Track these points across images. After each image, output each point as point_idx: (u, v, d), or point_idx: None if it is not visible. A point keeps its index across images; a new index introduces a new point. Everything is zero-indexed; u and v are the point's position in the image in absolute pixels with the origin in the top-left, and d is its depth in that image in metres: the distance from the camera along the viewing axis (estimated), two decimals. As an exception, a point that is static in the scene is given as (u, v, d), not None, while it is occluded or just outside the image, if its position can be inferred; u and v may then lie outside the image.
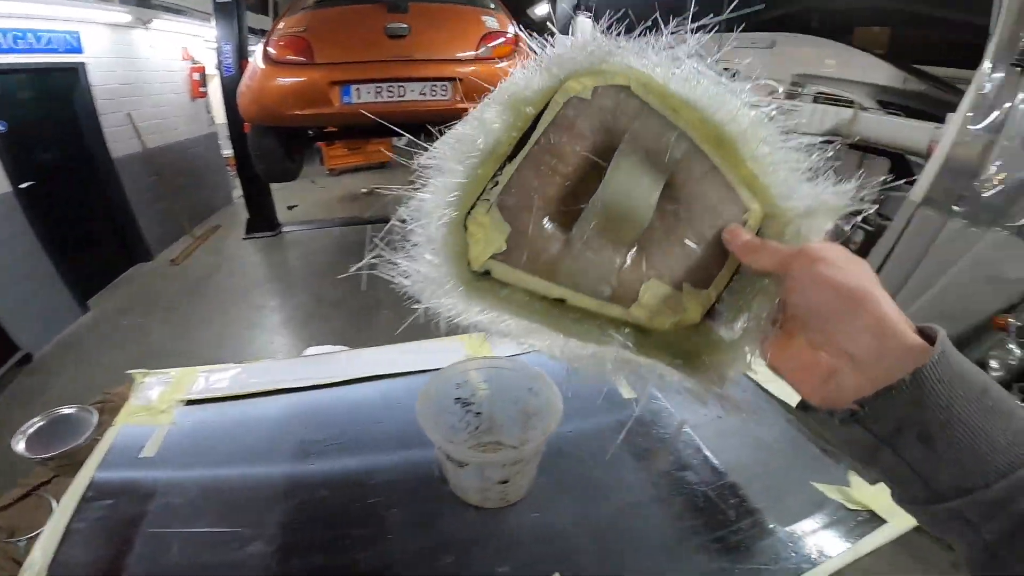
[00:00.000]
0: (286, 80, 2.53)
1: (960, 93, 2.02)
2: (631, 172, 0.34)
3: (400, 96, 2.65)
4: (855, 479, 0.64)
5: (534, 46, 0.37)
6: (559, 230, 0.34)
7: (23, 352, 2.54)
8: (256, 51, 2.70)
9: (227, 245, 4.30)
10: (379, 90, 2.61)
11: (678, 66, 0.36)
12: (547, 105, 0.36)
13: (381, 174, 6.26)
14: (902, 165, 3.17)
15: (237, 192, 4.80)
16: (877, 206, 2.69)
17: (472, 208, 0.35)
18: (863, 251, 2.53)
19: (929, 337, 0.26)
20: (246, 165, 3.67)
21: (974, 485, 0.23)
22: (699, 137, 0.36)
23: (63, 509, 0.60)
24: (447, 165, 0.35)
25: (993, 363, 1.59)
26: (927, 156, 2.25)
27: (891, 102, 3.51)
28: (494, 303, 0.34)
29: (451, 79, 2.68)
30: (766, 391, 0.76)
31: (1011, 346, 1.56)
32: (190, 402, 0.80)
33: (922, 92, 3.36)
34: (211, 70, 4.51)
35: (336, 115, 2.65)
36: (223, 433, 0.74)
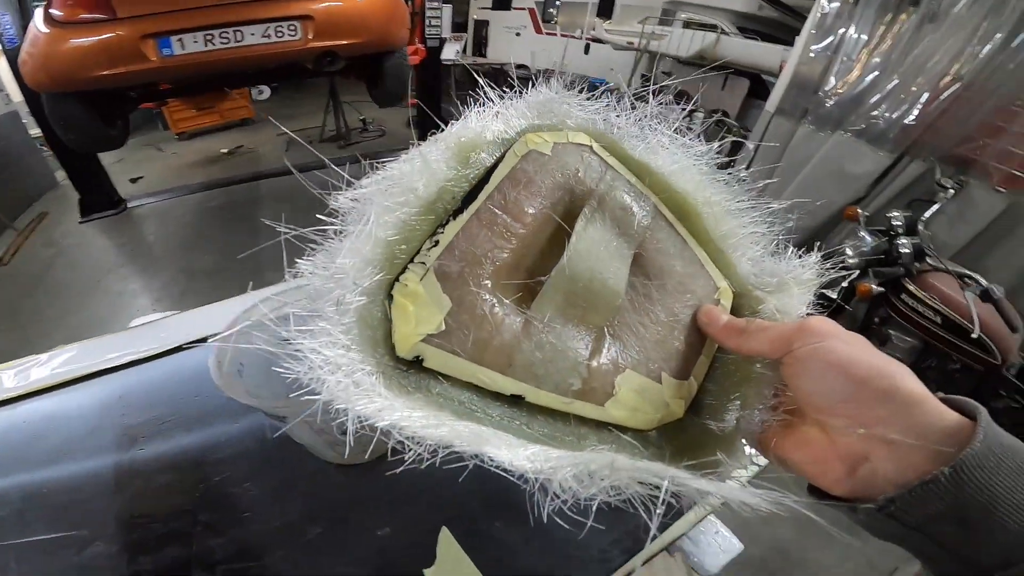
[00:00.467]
0: (80, 40, 2.08)
1: (805, 19, 2.27)
2: (599, 239, 0.29)
3: (238, 41, 2.29)
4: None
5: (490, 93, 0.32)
6: (514, 308, 0.27)
7: None
8: (36, 13, 2.21)
9: (61, 233, 3.58)
10: (209, 37, 2.23)
11: (641, 129, 0.33)
12: (502, 157, 0.30)
13: (243, 132, 5.49)
14: (759, 84, 3.50)
15: (62, 173, 3.99)
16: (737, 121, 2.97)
17: (401, 273, 0.26)
18: (731, 158, 2.80)
19: (965, 412, 0.23)
20: (58, 143, 3.05)
21: (1020, 559, 0.20)
22: (664, 208, 0.33)
23: None
24: (373, 212, 0.26)
25: (848, 251, 1.84)
26: (779, 74, 2.49)
27: (749, 27, 3.80)
28: (426, 402, 0.25)
29: (300, 17, 2.37)
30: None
31: (862, 234, 1.80)
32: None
33: (775, 18, 3.68)
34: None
35: (157, 70, 2.25)
36: (34, 434, 0.62)
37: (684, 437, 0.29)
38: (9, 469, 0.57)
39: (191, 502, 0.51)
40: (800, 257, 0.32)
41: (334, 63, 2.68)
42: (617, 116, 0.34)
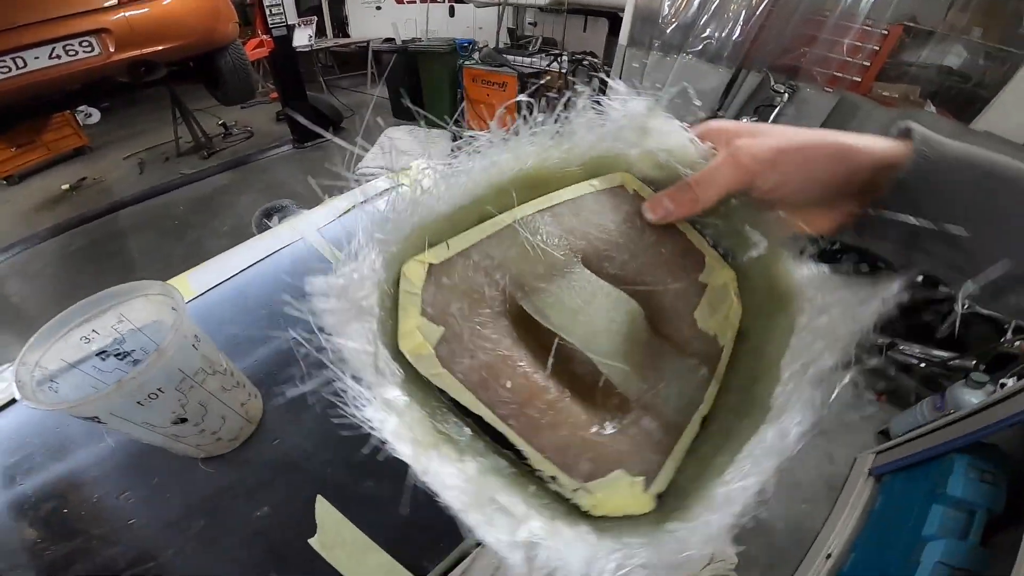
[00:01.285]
0: None
1: None
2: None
3: (20, 68, 2.03)
4: None
5: None
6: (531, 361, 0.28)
7: None
8: None
9: (-99, 322, 3.01)
10: None
11: None
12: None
13: (82, 162, 4.75)
14: (617, 22, 3.64)
15: None
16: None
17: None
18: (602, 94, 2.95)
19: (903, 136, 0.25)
20: None
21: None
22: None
23: None
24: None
25: None
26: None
27: None
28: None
29: (93, 32, 2.12)
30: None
31: None
32: None
33: None
34: None
35: None
36: None
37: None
38: None
39: (81, 521, 0.51)
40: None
41: (152, 72, 2.43)
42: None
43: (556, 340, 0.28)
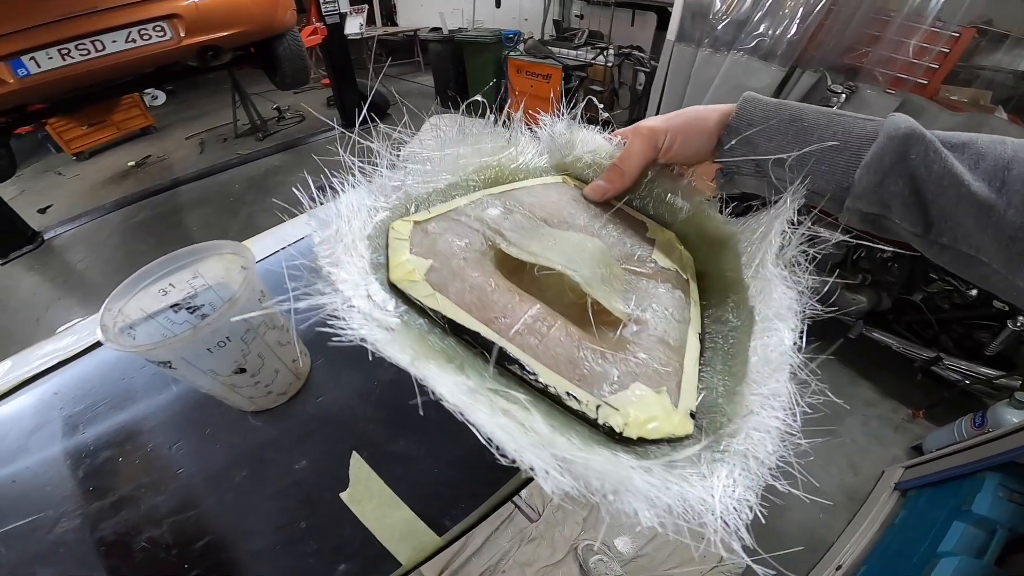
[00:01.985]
0: None
1: None
2: (589, 251, 0.35)
3: (99, 51, 2.17)
4: None
5: None
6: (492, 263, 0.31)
7: None
8: None
9: (-20, 281, 3.34)
10: (65, 51, 2.10)
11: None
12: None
13: (147, 141, 5.13)
14: (666, 17, 3.56)
15: None
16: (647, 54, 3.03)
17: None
18: (647, 90, 2.89)
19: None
20: None
21: (848, 183, 0.32)
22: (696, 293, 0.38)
23: None
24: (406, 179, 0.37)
25: None
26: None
27: None
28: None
29: (166, 17, 2.26)
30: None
31: None
32: None
33: None
34: None
35: (18, 93, 2.12)
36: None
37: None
38: None
39: (133, 469, 0.56)
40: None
41: (218, 57, 2.59)
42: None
43: (539, 267, 0.31)
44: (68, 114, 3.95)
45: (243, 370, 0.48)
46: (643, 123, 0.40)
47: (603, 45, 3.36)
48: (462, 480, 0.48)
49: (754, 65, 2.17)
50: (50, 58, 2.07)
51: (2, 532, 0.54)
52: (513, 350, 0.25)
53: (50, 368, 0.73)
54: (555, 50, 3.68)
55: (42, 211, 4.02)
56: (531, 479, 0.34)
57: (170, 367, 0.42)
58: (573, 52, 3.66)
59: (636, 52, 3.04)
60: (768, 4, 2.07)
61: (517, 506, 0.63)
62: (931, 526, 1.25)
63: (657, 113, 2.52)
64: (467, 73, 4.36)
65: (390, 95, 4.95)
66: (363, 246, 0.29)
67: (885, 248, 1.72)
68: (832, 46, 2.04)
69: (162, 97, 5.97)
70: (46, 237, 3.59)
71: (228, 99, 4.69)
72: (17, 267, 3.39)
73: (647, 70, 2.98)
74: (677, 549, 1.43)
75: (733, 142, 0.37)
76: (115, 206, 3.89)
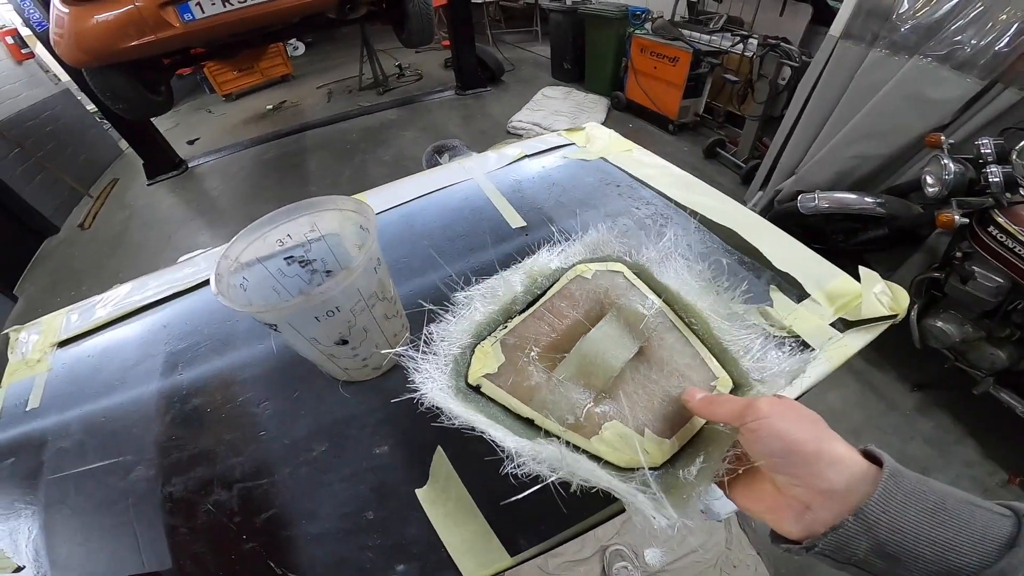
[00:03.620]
0: (103, 16, 2.15)
1: None
2: (607, 334, 0.42)
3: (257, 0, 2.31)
4: (777, 296, 0.59)
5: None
6: (543, 368, 0.42)
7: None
8: (53, -5, 2.29)
9: (132, 196, 3.91)
10: None
11: (666, 260, 0.48)
12: (558, 279, 0.48)
13: (285, 88, 5.65)
14: (825, 9, 3.08)
15: (125, 143, 4.29)
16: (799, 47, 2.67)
17: (482, 340, 0.44)
18: (791, 86, 2.55)
19: (876, 461, 0.29)
20: (112, 114, 3.27)
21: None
22: (674, 317, 0.45)
23: None
24: (474, 305, 0.46)
25: (929, 179, 1.64)
26: None
27: None
28: (475, 409, 0.40)
29: None
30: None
31: (945, 161, 1.60)
32: (62, 344, 0.75)
33: None
34: (25, 29, 3.78)
35: (183, 36, 2.31)
36: (95, 367, 0.69)
37: (664, 479, 0.37)
38: (73, 403, 0.64)
39: (218, 423, 0.56)
40: (791, 352, 0.41)
41: (355, 9, 2.67)
42: (648, 249, 0.49)
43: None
44: (223, 59, 4.38)
45: (345, 342, 0.44)
46: (760, 408, 0.31)
47: (745, 32, 3.00)
48: (546, 500, 0.41)
49: (943, 74, 1.80)
50: (212, 4, 2.25)
51: (78, 472, 0.55)
52: (539, 420, 0.40)
53: (165, 299, 0.76)
54: (686, 33, 3.37)
55: (191, 143, 4.58)
56: (620, 512, 0.43)
57: (275, 329, 0.39)
58: (707, 37, 3.32)
59: (784, 44, 2.67)
60: (974, 13, 1.69)
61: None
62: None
63: (800, 114, 2.20)
64: (586, 47, 4.16)
65: (505, 62, 4.91)
66: (450, 360, 0.44)
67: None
68: (1049, 65, 1.62)
69: (302, 48, 6.49)
70: (190, 165, 4.09)
71: (357, 54, 4.94)
72: (161, 188, 3.91)
73: (796, 64, 2.61)
74: (705, 572, 1.37)
75: (850, 523, 0.26)
76: (251, 143, 4.31)
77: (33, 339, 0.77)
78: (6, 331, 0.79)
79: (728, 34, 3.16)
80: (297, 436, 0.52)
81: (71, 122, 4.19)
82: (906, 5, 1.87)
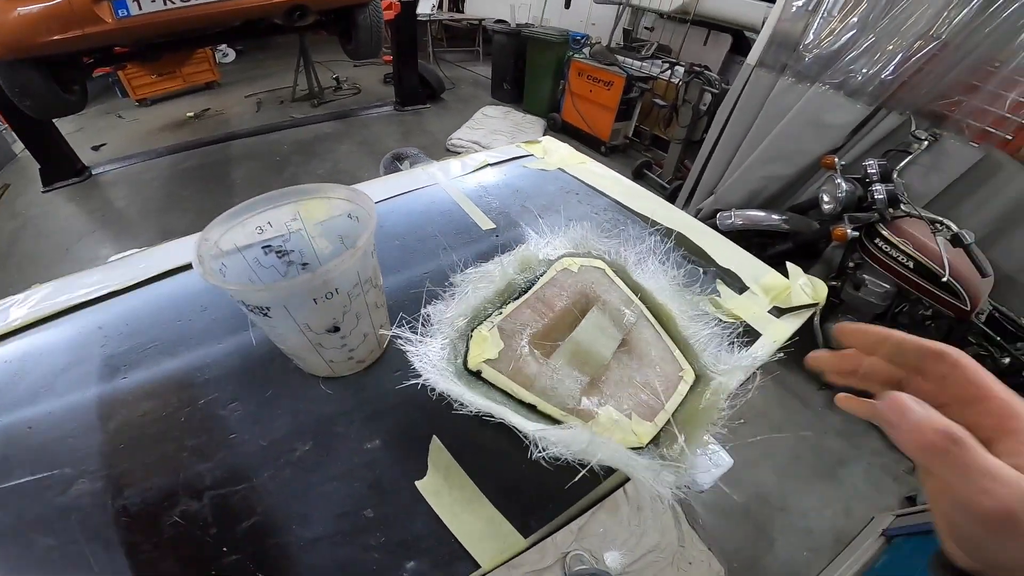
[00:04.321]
0: (29, 7, 1.97)
1: None
2: (597, 325, 0.46)
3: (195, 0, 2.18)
4: (723, 288, 0.65)
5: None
6: (540, 356, 0.44)
7: None
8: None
9: (25, 204, 3.44)
10: None
11: (639, 259, 0.53)
12: (547, 270, 0.51)
13: (209, 95, 5.26)
14: (741, 40, 3.46)
15: (18, 145, 3.91)
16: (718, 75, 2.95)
17: (479, 325, 0.46)
18: (711, 111, 2.81)
19: None
20: (11, 111, 2.93)
21: None
22: (648, 313, 0.49)
23: None
24: (470, 289, 0.48)
25: (825, 197, 1.88)
26: (760, 30, 2.49)
27: None
28: (478, 393, 0.43)
29: None
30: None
31: (839, 181, 1.84)
32: None
33: None
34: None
35: (113, 32, 2.13)
36: (15, 372, 0.60)
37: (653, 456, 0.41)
38: None
39: (177, 428, 0.50)
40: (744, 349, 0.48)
41: (304, 17, 2.58)
42: (625, 250, 0.54)
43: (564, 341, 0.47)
44: (146, 61, 4.02)
45: (336, 328, 0.43)
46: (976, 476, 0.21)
47: (673, 60, 3.28)
48: (549, 480, 0.42)
49: (838, 100, 2.09)
50: (153, 1, 2.08)
51: (3, 488, 0.47)
52: (541, 405, 0.43)
53: (97, 299, 0.68)
54: (620, 58, 3.62)
55: (96, 148, 4.12)
56: (624, 483, 0.44)
57: (266, 314, 0.37)
58: (638, 63, 3.59)
59: (707, 71, 2.95)
60: (867, 44, 1.98)
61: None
62: (911, 572, 1.27)
63: (719, 137, 2.45)
64: (527, 68, 4.32)
65: (446, 80, 4.96)
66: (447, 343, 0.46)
67: (929, 304, 1.69)
68: (926, 91, 1.93)
69: (232, 55, 6.11)
70: (93, 172, 3.68)
71: (292, 64, 4.76)
72: (59, 196, 3.48)
73: (715, 91, 2.89)
74: (664, 570, 1.43)
75: None
76: (167, 151, 3.96)
77: None
78: None
79: (658, 61, 3.43)
80: (275, 437, 0.49)
81: (-43, 120, 3.65)
82: (811, 37, 2.14)
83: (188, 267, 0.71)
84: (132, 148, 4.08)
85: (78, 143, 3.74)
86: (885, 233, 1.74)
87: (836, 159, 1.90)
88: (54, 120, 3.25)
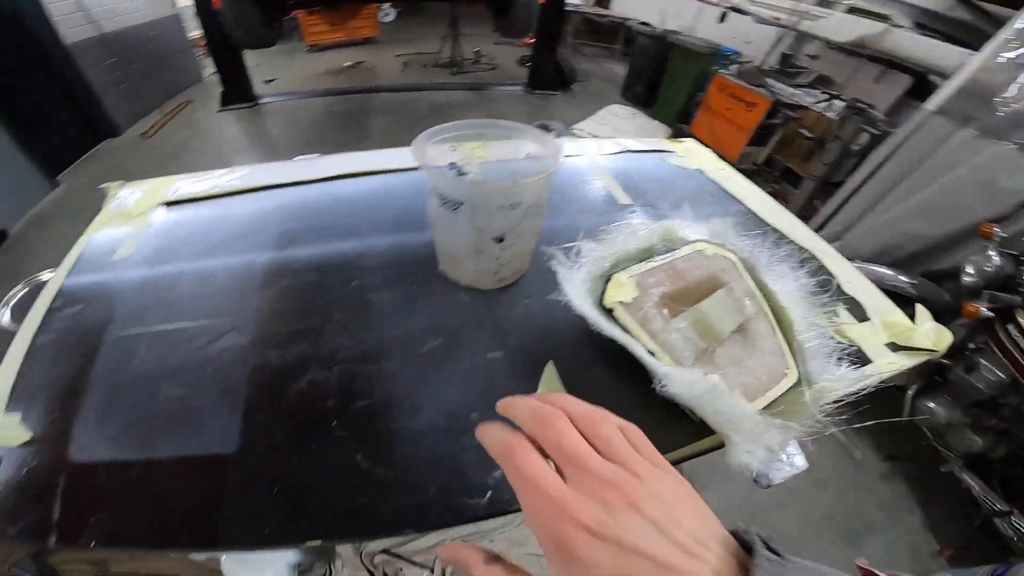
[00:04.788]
0: None
1: (1000, 26, 2.03)
2: (722, 303, 0.49)
3: None
4: (843, 313, 0.62)
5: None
6: (664, 316, 0.48)
7: (-2, 228, 2.51)
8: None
9: (200, 118, 4.06)
10: None
11: (771, 266, 0.56)
12: (682, 248, 0.55)
13: (366, 49, 5.82)
14: (923, 83, 3.09)
15: (207, 71, 4.60)
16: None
17: (618, 271, 0.51)
18: (864, 152, 2.56)
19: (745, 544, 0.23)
20: (217, 40, 3.55)
21: None
22: (768, 310, 0.53)
23: (28, 323, 0.54)
24: (618, 239, 0.53)
25: (968, 268, 1.66)
26: (950, 76, 2.24)
27: (927, 25, 3.34)
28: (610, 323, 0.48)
29: None
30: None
31: (991, 254, 1.62)
32: (169, 204, 0.75)
33: (965, 20, 3.21)
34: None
35: None
36: (204, 228, 0.69)
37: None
38: (168, 259, 0.63)
39: (330, 302, 0.55)
40: (852, 367, 0.49)
41: None
42: (759, 251, 0.56)
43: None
44: (330, 7, 4.56)
45: (501, 239, 0.48)
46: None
47: (833, 93, 3.03)
48: (658, 421, 0.43)
49: (1022, 163, 1.82)
50: None
51: (155, 331, 0.52)
52: (660, 355, 0.46)
53: (282, 184, 0.78)
54: (771, 82, 3.40)
55: (267, 82, 4.72)
56: (712, 449, 0.44)
57: (455, 209, 0.43)
58: (790, 90, 3.35)
59: (871, 110, 2.68)
60: None
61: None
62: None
63: (865, 181, 2.22)
64: (665, 75, 4.21)
65: (580, 72, 4.99)
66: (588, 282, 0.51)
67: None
68: None
69: (392, 15, 6.74)
70: (261, 102, 4.21)
71: (441, 32, 5.11)
72: (229, 116, 4.05)
73: (875, 132, 2.62)
74: None
75: None
76: (322, 93, 4.44)
77: (135, 196, 0.77)
78: (104, 185, 0.79)
79: (815, 91, 3.19)
80: (411, 329, 0.53)
81: (167, 45, 4.40)
82: (1012, 91, 1.89)
83: (362, 174, 0.81)
84: (295, 86, 4.63)
85: (255, 75, 4.30)
86: (1022, 320, 1.51)
87: (996, 228, 1.67)
88: (244, 52, 3.78)
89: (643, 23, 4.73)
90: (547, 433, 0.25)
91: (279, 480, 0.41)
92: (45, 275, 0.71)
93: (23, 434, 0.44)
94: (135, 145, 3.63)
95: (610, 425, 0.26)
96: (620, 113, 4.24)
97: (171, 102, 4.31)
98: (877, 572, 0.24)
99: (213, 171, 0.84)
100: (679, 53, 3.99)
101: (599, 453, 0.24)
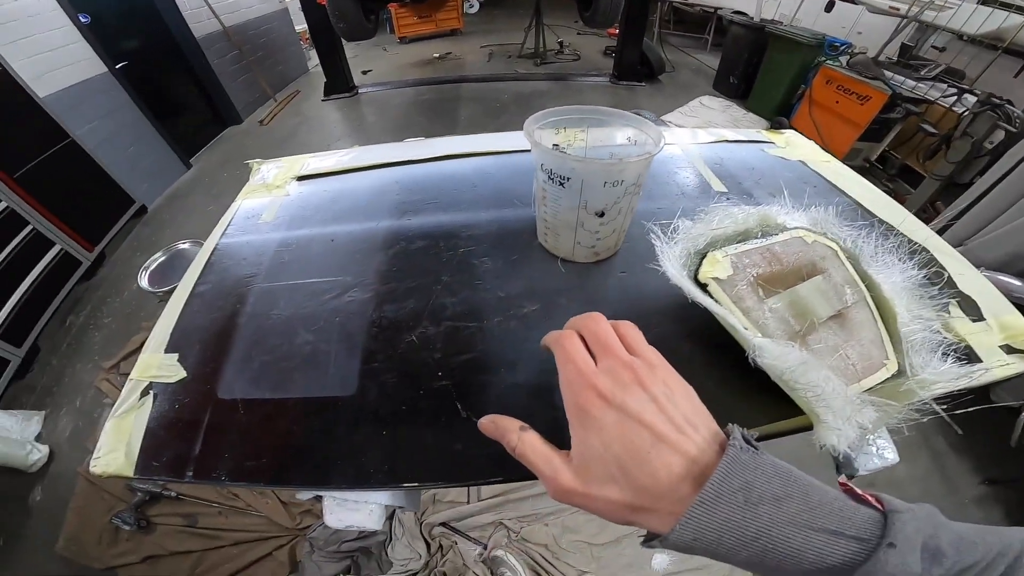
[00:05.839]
0: None
1: None
2: (820, 288, 0.49)
3: None
4: (956, 312, 0.59)
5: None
6: (758, 297, 0.48)
7: (139, 204, 2.97)
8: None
9: (307, 107, 4.50)
10: None
11: (876, 257, 0.53)
12: (781, 234, 0.54)
13: (452, 41, 6.09)
14: None
15: (312, 62, 5.11)
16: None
17: (715, 249, 0.51)
18: (998, 151, 2.27)
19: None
20: (321, 34, 3.92)
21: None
22: (870, 300, 0.51)
23: (188, 274, 0.64)
24: (716, 220, 0.53)
25: None
26: None
27: None
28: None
29: None
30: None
31: None
32: (301, 178, 0.88)
33: None
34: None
35: None
36: (331, 199, 0.80)
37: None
38: (304, 224, 0.73)
39: (439, 265, 0.61)
40: (958, 363, 0.45)
41: None
42: (864, 242, 0.54)
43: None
44: (417, 2, 4.81)
45: (602, 214, 0.51)
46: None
47: (964, 87, 2.69)
48: (744, 396, 0.45)
49: None
50: None
51: (293, 284, 0.58)
52: (748, 325, 0.46)
53: (396, 163, 0.87)
54: (888, 74, 3.08)
55: (364, 72, 5.08)
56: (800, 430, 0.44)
57: (562, 183, 0.47)
58: (912, 82, 3.01)
59: (1008, 106, 2.36)
60: None
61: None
62: None
63: (998, 181, 1.97)
64: (762, 66, 3.95)
65: (667, 62, 4.82)
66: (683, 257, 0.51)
67: None
68: None
69: (476, 7, 6.95)
70: (359, 91, 4.57)
71: (524, 23, 5.16)
72: (332, 105, 4.43)
73: (1013, 129, 2.31)
74: None
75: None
76: (413, 83, 4.70)
77: (274, 171, 0.90)
78: (248, 161, 0.94)
79: (942, 85, 2.85)
80: (511, 292, 0.57)
81: (279, 37, 4.87)
82: None
83: (466, 155, 0.88)
84: (388, 76, 4.94)
85: (353, 67, 4.68)
86: None
87: None
88: (345, 44, 4.10)
89: (737, 12, 4.45)
90: (588, 324, 0.33)
91: (386, 423, 0.45)
92: (181, 244, 0.85)
93: (179, 372, 0.50)
94: (254, 131, 4.08)
95: (637, 331, 0.34)
96: (712, 105, 4.06)
97: (283, 92, 4.77)
98: (857, 489, 0.26)
99: (337, 151, 0.95)
100: (778, 43, 3.73)
101: (625, 348, 0.32)
